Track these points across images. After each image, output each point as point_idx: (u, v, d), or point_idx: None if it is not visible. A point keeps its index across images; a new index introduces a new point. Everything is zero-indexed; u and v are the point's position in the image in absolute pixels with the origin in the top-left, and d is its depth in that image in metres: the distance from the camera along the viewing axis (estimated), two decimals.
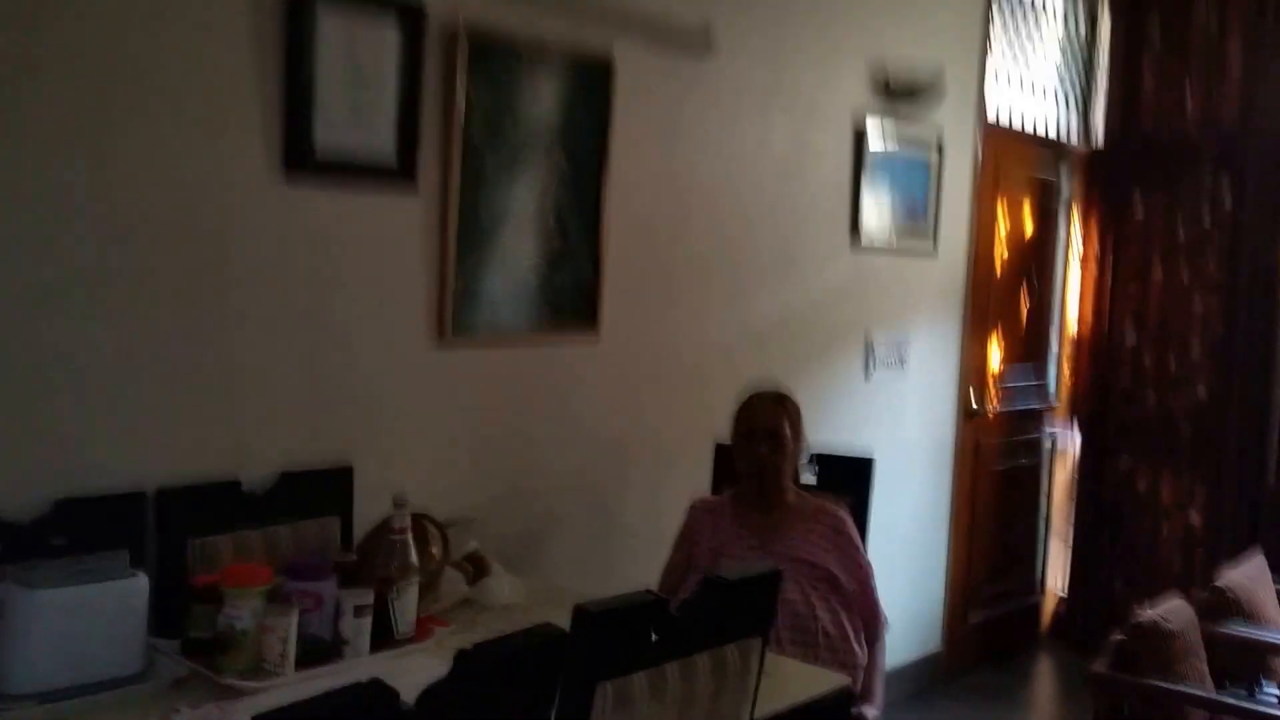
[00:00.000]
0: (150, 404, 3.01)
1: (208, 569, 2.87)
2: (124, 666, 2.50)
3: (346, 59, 3.29)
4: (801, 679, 2.95)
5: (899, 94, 5.24)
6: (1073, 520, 7.03)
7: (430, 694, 1.65)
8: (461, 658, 1.70)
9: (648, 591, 2.08)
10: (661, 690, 2.08)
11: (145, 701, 2.44)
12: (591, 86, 3.95)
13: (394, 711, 1.60)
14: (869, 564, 3.67)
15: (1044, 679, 6.68)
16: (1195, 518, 6.45)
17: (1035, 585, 6.99)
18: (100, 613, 2.47)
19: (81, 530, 2.80)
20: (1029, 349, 6.67)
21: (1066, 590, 7.03)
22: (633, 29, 4.05)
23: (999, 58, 6.16)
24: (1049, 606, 7.08)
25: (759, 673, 2.35)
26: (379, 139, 3.40)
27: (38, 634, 2.39)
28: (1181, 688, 3.88)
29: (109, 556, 2.75)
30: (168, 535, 2.99)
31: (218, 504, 3.09)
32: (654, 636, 2.05)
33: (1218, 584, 4.55)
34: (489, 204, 3.70)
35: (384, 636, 2.76)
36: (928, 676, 6.05)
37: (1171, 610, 4.12)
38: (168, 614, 2.80)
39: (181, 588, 2.76)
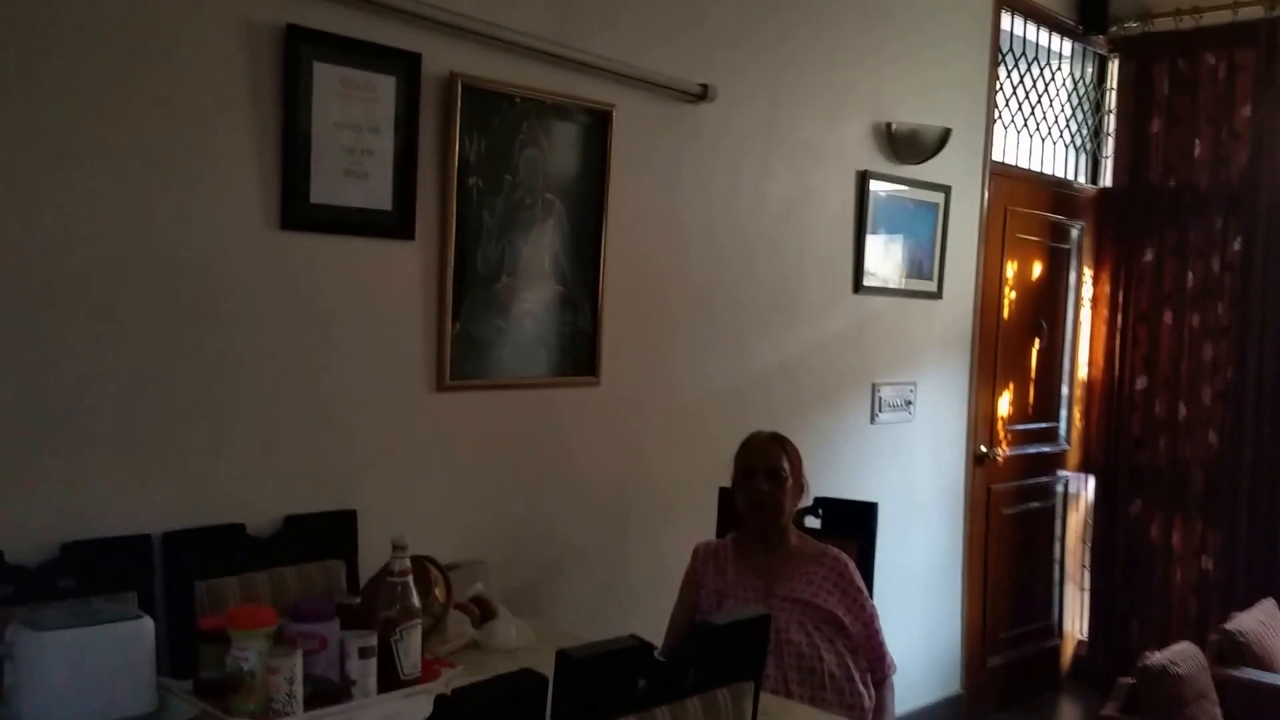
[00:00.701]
0: (156, 449, 3.05)
1: (215, 611, 2.89)
2: (135, 706, 2.52)
3: (343, 112, 3.34)
4: None
5: (902, 142, 5.28)
6: (1088, 565, 7.02)
7: None
8: (441, 702, 1.71)
9: (632, 636, 2.08)
10: None
11: None
12: (590, 135, 4.01)
13: None
14: (874, 607, 3.66)
15: None
16: (1208, 564, 6.42)
17: (1054, 628, 6.97)
18: (107, 654, 2.48)
19: (89, 573, 2.84)
20: (1040, 393, 6.67)
21: (1086, 633, 7.02)
22: (631, 77, 4.09)
23: (1007, 101, 6.21)
24: (1069, 649, 7.07)
25: (753, 717, 2.36)
26: (376, 189, 3.45)
27: (46, 675, 2.41)
28: None
29: (116, 599, 2.80)
30: (175, 578, 3.02)
31: (223, 547, 3.13)
32: (641, 682, 2.06)
33: (1228, 627, 4.55)
34: (486, 252, 3.74)
35: (391, 678, 2.77)
36: (950, 718, 6.05)
37: (1180, 654, 4.12)
38: (180, 655, 2.85)
39: (191, 629, 2.79)
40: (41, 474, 2.85)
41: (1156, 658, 4.02)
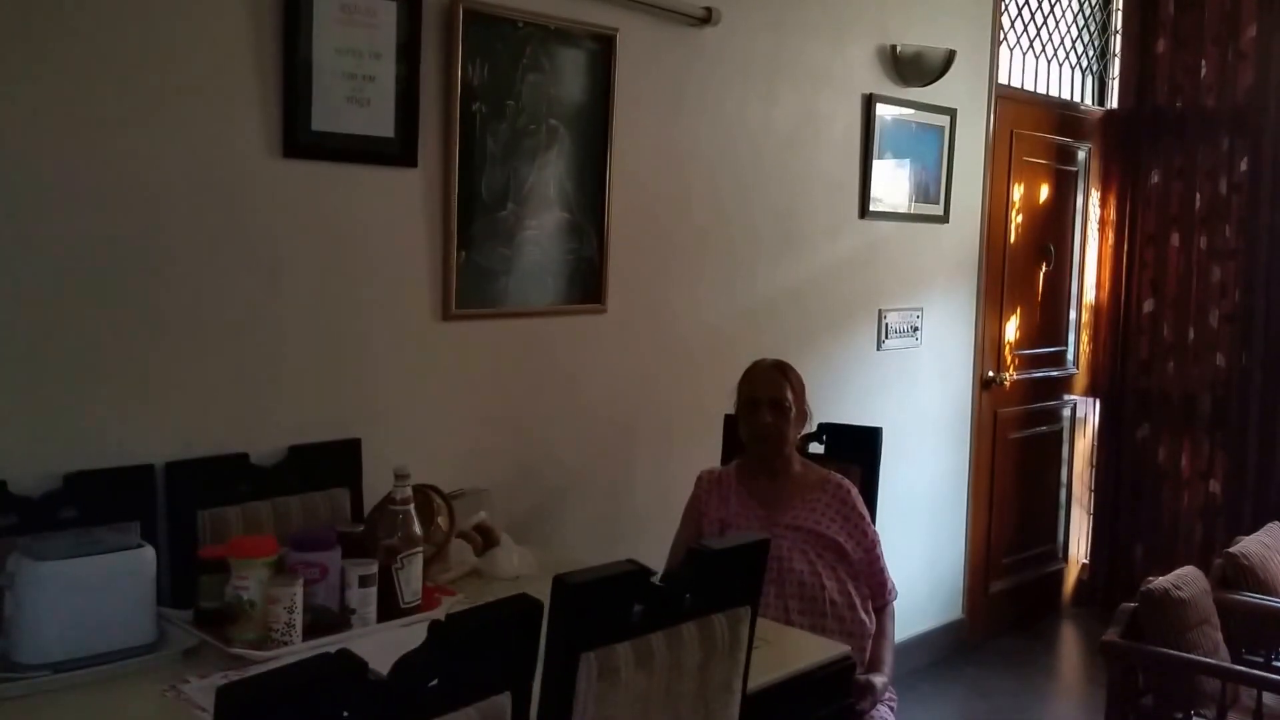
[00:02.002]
0: (159, 378, 3.05)
1: (218, 541, 2.89)
2: (135, 637, 2.52)
3: (344, 38, 3.31)
4: (804, 648, 2.96)
5: (907, 65, 5.22)
6: (1094, 489, 7.03)
7: (403, 664, 1.66)
8: (435, 628, 1.71)
9: (629, 561, 2.08)
10: (648, 660, 2.08)
11: (155, 671, 2.46)
12: (593, 60, 3.97)
13: (362, 682, 1.60)
14: (875, 533, 3.67)
15: (1068, 645, 6.68)
16: (1216, 487, 6.43)
17: (1058, 552, 6.99)
18: (108, 584, 2.48)
19: (92, 503, 2.85)
20: (1047, 317, 6.64)
21: (1090, 557, 7.04)
22: (634, 0, 4.05)
23: (1012, 23, 6.14)
24: (1072, 574, 7.09)
25: (750, 643, 2.36)
26: (378, 116, 3.42)
27: (46, 605, 2.41)
28: (1188, 655, 3.88)
29: (119, 528, 2.78)
30: (178, 507, 3.03)
31: (227, 477, 3.13)
32: (637, 607, 2.06)
33: (1231, 551, 4.54)
34: (490, 179, 3.72)
35: (392, 606, 2.78)
36: (952, 643, 6.10)
37: (1183, 578, 4.12)
38: (183, 585, 2.85)
39: (192, 559, 2.79)
40: (44, 404, 2.85)
41: (1159, 582, 4.02)
